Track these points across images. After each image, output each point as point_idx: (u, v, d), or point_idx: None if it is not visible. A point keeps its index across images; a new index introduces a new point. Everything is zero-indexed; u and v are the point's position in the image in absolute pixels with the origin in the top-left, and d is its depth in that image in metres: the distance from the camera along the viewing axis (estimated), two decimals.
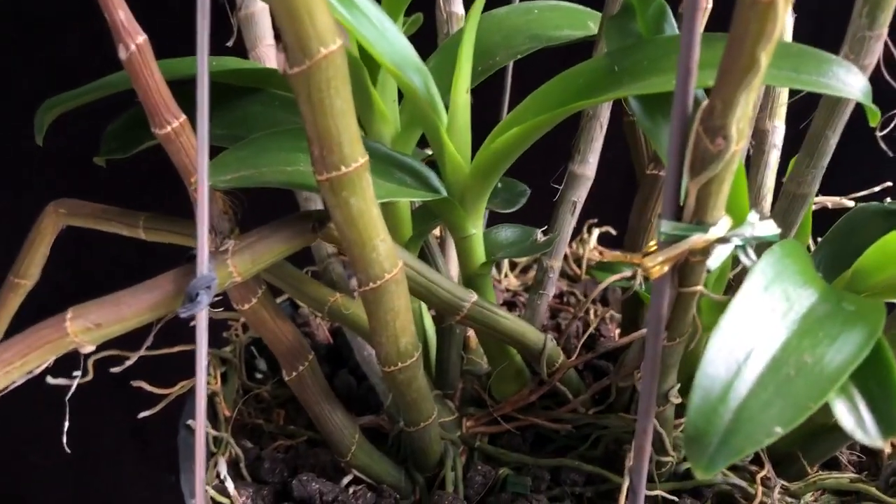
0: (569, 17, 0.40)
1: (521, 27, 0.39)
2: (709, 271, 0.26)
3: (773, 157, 0.40)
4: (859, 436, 0.25)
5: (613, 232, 0.59)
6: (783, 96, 0.40)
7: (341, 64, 0.26)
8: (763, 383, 0.23)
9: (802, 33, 0.41)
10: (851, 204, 0.47)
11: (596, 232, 0.58)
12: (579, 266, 0.58)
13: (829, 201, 0.48)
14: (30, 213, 0.45)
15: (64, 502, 0.73)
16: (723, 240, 0.26)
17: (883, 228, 0.34)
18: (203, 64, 0.25)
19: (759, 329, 0.24)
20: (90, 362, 0.41)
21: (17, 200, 0.68)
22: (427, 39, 0.44)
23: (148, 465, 0.74)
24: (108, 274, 0.71)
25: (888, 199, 0.41)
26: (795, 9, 0.39)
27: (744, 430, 0.23)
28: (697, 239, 0.26)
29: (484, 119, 0.46)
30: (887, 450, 0.39)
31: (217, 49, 0.30)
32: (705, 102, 0.24)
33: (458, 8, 0.42)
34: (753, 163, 0.40)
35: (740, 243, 0.26)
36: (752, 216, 0.27)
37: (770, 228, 0.26)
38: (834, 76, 0.29)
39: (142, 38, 0.29)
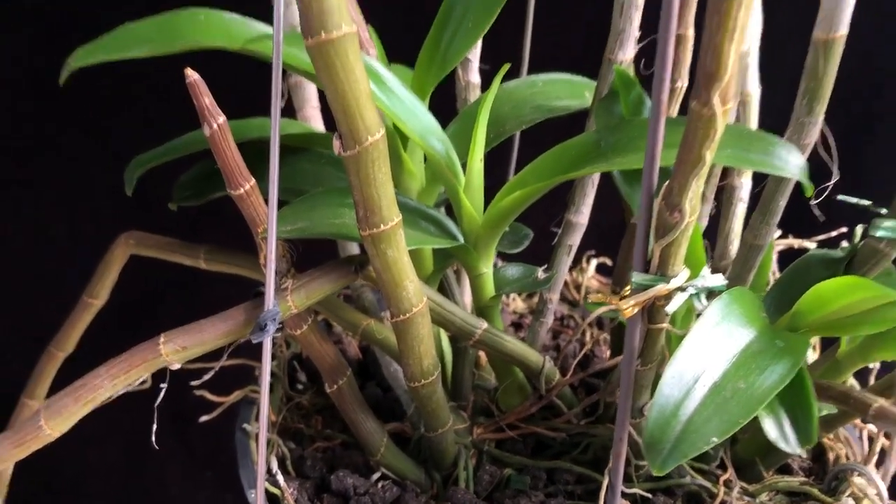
0: (568, 89, 0.47)
1: (527, 98, 0.46)
2: (667, 314, 0.33)
3: (740, 209, 0.46)
4: (782, 445, 0.31)
5: (609, 262, 0.65)
6: None
7: (383, 147, 0.33)
8: (706, 403, 0.30)
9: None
10: (813, 245, 0.54)
11: (594, 262, 0.65)
12: (578, 292, 0.65)
13: (795, 243, 0.55)
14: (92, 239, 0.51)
15: (116, 494, 0.80)
16: (681, 289, 0.33)
17: (824, 274, 0.40)
18: (274, 153, 0.32)
19: (706, 360, 0.31)
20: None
21: (80, 229, 0.75)
22: (450, 96, 0.50)
23: (189, 463, 0.81)
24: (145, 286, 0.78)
25: (844, 242, 0.48)
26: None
27: (689, 439, 0.29)
28: (660, 288, 0.32)
29: (498, 170, 0.53)
30: (831, 457, 0.45)
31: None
32: (666, 183, 0.31)
33: (475, 77, 0.48)
34: (723, 214, 0.47)
35: (694, 292, 0.33)
36: (705, 270, 0.33)
37: (718, 280, 0.33)
38: (777, 156, 0.35)
39: (222, 118, 0.35)
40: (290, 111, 0.50)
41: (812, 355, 0.50)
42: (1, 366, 0.69)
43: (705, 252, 0.37)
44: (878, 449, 0.43)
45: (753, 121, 0.45)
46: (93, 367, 0.38)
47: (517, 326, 0.61)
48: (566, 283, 0.64)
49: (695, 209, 0.31)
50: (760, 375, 0.31)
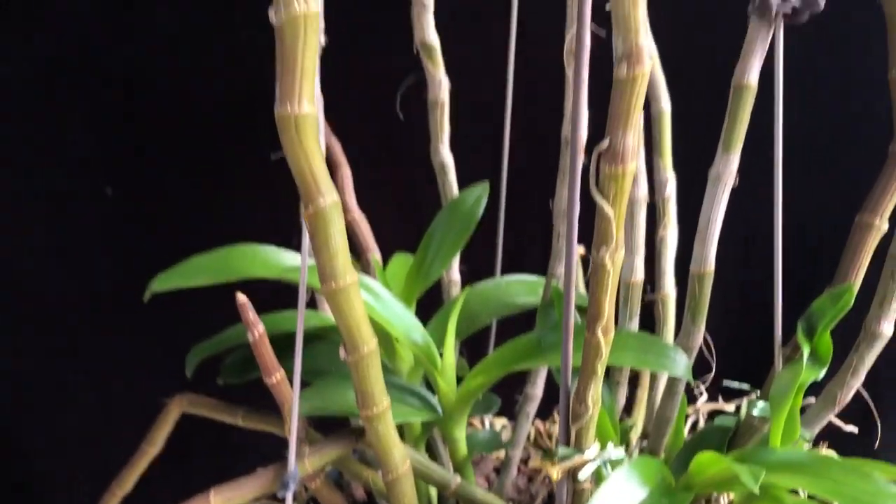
0: (527, 288, 0.59)
1: (494, 296, 0.58)
2: (578, 480, 0.44)
3: (662, 381, 0.58)
4: None
5: None
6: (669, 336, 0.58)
7: (376, 353, 0.44)
8: None
9: None
10: (731, 408, 0.65)
11: None
12: (550, 440, 0.75)
13: (719, 406, 0.66)
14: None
15: None
16: (591, 460, 0.44)
17: (717, 441, 0.51)
18: (297, 367, 0.44)
19: None
20: None
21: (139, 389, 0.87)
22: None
23: None
24: None
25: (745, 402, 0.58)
26: None
27: None
28: (576, 459, 0.43)
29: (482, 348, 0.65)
30: None
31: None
32: (574, 386, 0.42)
33: (456, 276, 0.61)
34: (650, 393, 0.58)
35: (601, 462, 0.44)
36: (610, 446, 0.44)
37: (619, 454, 0.44)
38: (668, 357, 0.47)
39: (261, 327, 0.47)
40: (312, 303, 0.62)
41: None
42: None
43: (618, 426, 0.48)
44: None
45: (670, 318, 0.57)
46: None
47: (498, 471, 0.72)
48: (540, 433, 0.75)
49: (596, 402, 0.42)
50: None
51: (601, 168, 0.37)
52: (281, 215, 0.60)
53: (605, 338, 0.40)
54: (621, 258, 0.38)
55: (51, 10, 0.70)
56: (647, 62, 0.35)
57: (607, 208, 0.37)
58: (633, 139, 0.36)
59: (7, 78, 0.72)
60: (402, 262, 0.64)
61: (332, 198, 0.39)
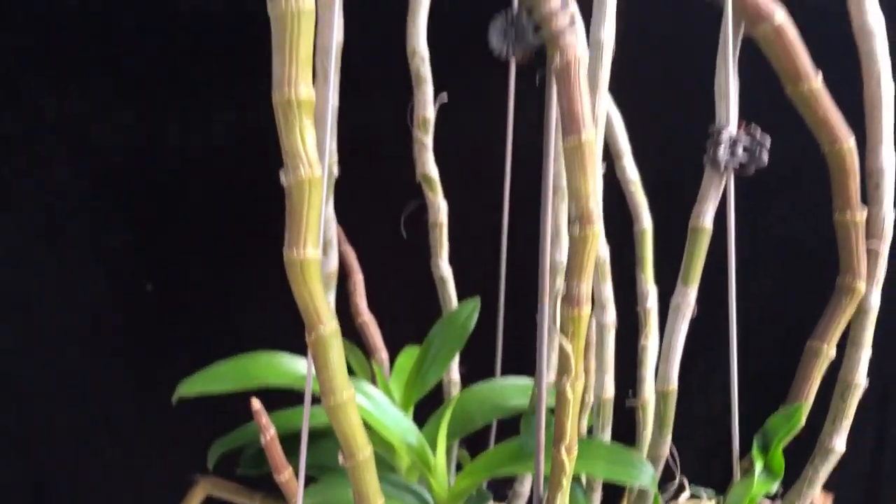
0: (517, 391, 0.64)
1: (487, 398, 0.63)
2: None
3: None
4: None
5: None
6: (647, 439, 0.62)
7: (370, 459, 0.50)
8: None
9: None
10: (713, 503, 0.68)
11: None
12: None
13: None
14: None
15: None
16: None
17: None
18: (302, 469, 0.49)
19: None
20: None
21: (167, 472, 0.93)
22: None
23: None
24: None
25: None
26: None
27: None
28: None
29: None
30: None
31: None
32: (546, 493, 0.47)
33: (455, 376, 0.66)
34: (626, 497, 0.62)
35: None
36: None
37: None
38: (635, 466, 0.52)
39: (272, 431, 0.53)
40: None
41: None
42: None
43: None
44: None
45: (650, 422, 0.61)
46: None
47: None
48: None
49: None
50: None
51: (560, 310, 0.42)
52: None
53: (568, 456, 0.45)
54: (581, 387, 0.44)
55: (96, 126, 0.79)
56: (597, 223, 0.40)
57: (567, 345, 0.42)
58: (588, 286, 0.42)
59: (63, 183, 0.80)
60: (410, 354, 0.70)
61: (331, 326, 0.45)
